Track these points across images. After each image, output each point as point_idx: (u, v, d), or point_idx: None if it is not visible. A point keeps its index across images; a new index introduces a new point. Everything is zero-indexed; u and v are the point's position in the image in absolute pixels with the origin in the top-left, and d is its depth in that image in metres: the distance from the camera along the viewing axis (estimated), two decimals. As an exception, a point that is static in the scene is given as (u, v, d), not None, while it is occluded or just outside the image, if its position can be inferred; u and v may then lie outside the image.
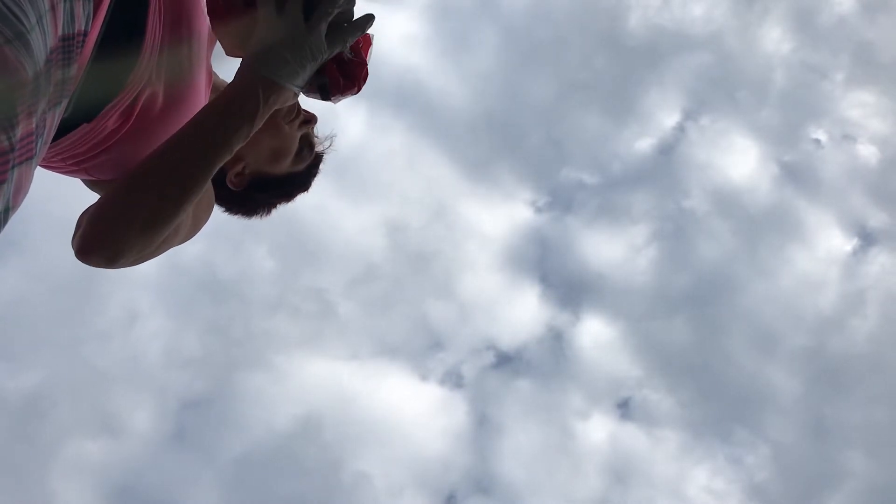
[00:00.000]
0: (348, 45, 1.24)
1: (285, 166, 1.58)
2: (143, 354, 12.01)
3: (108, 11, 1.09)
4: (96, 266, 1.18)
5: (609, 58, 15.28)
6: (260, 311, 13.15)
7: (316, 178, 1.69)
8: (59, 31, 0.95)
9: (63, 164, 1.26)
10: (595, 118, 15.29)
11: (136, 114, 1.21)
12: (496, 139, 14.77)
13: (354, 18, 1.24)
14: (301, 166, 1.60)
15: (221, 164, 1.19)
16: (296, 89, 1.21)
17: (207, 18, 1.28)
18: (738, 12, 15.00)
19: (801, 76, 14.63)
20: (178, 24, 1.26)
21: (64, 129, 1.14)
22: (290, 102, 1.25)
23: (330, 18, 1.19)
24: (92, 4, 1.04)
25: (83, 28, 1.02)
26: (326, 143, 1.69)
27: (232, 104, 1.18)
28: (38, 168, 1.23)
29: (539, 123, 14.97)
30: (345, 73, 1.26)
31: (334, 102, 1.30)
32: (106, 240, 1.14)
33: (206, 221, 1.46)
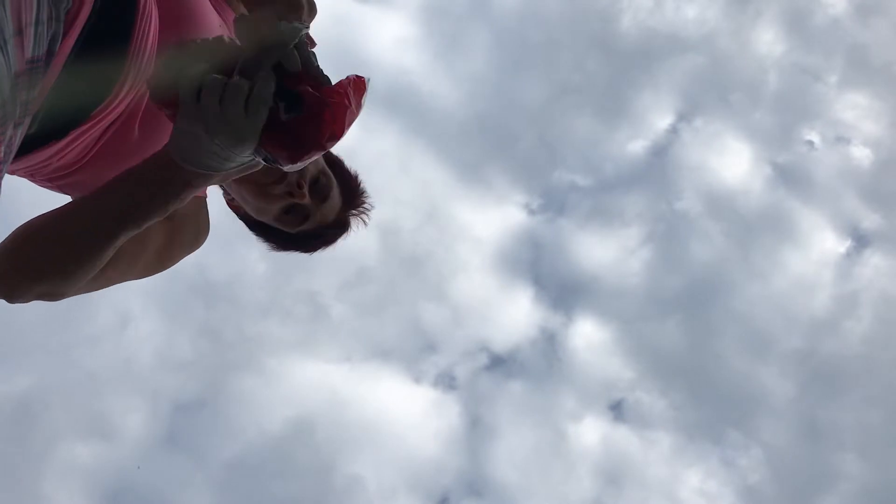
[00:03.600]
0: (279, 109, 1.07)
1: (267, 221, 1.57)
2: (135, 357, 11.99)
3: (86, 22, 1.07)
4: None
5: (602, 60, 15.30)
6: (252, 313, 13.12)
7: (329, 247, 1.68)
8: (28, 55, 0.93)
9: (32, 179, 1.24)
10: (588, 120, 15.32)
11: (110, 135, 1.19)
12: (489, 141, 14.78)
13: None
14: (292, 229, 1.57)
15: (132, 234, 1.15)
16: (222, 173, 1.12)
17: (210, 18, 1.25)
18: (730, 14, 15.04)
19: (795, 78, 14.68)
20: (178, 29, 1.23)
21: (31, 146, 1.12)
22: (219, 182, 1.17)
23: (241, 98, 1.04)
24: (62, 24, 1.01)
25: (52, 48, 1.00)
26: (358, 212, 1.65)
27: (149, 186, 1.12)
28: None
29: (532, 126, 14.98)
30: (288, 138, 1.08)
31: (300, 167, 1.14)
32: (2, 286, 1.15)
33: (178, 260, 1.44)
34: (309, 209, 1.53)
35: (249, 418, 12.70)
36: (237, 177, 1.16)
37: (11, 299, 1.16)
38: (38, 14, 0.95)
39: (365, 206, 1.68)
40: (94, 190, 1.16)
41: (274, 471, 12.28)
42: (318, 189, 1.54)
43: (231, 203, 1.61)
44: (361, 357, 13.75)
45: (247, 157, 1.11)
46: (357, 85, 1.11)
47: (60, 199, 1.29)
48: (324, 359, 13.75)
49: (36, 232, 1.16)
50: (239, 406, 12.72)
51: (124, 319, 11.89)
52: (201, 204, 1.47)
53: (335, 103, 1.08)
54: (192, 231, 1.43)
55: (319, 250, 1.69)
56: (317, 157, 1.13)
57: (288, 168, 1.13)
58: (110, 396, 11.94)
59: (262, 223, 1.60)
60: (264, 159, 1.12)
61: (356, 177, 1.67)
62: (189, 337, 12.42)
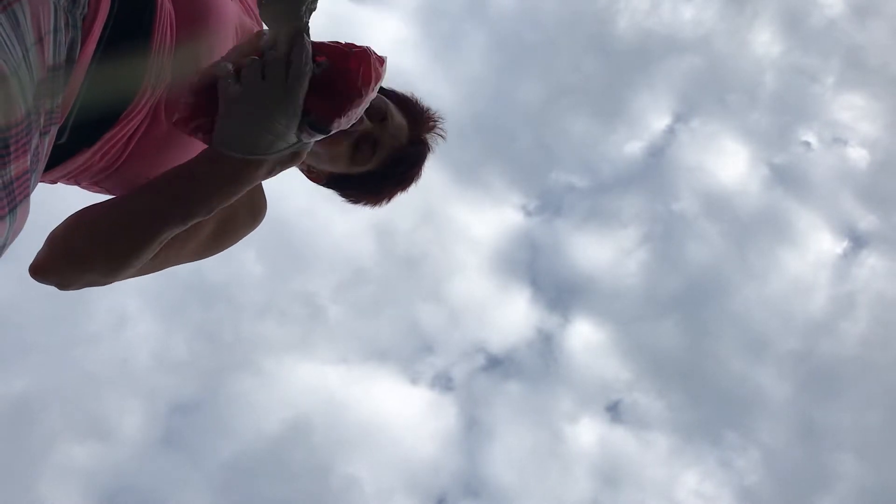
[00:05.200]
0: (307, 71, 1.12)
1: (346, 168, 1.54)
2: (132, 358, 11.98)
3: (104, 28, 1.07)
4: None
5: (599, 61, 15.32)
6: (249, 315, 13.12)
7: (418, 170, 1.62)
8: (49, 62, 0.94)
9: (78, 184, 1.25)
10: (585, 121, 15.33)
11: (140, 134, 1.19)
12: (486, 142, 14.76)
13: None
14: (367, 166, 1.54)
15: (179, 230, 1.18)
16: (270, 160, 1.15)
17: (227, 9, 1.25)
18: (727, 15, 15.06)
19: (791, 79, 14.71)
20: (195, 24, 1.22)
21: (63, 155, 1.12)
22: (265, 175, 1.19)
23: (282, 68, 1.11)
24: (80, 31, 1.01)
25: (72, 55, 1.01)
26: (427, 131, 1.61)
27: (194, 182, 1.15)
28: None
29: (529, 127, 14.99)
30: (326, 94, 1.15)
31: (346, 127, 1.19)
32: (53, 274, 1.20)
33: (238, 240, 1.45)
34: (375, 134, 1.50)
35: (246, 419, 12.71)
36: (284, 168, 1.18)
37: (61, 288, 1.22)
38: (55, 22, 0.95)
39: (434, 119, 1.63)
40: (143, 186, 1.19)
41: (271, 472, 12.28)
42: (374, 111, 1.50)
43: (310, 173, 1.59)
44: (358, 358, 13.77)
45: (293, 138, 1.14)
46: (366, 65, 1.17)
47: (69, 201, 1.30)
48: (320, 360, 13.77)
49: (86, 224, 1.20)
50: (236, 407, 12.73)
51: (121, 320, 11.90)
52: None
53: (357, 52, 1.16)
54: (248, 211, 1.42)
55: (413, 178, 1.63)
56: (359, 106, 1.18)
57: (335, 127, 1.17)
58: (107, 397, 11.94)
59: (346, 177, 1.57)
60: (311, 126, 1.15)
61: (413, 95, 1.63)
62: (186, 338, 12.43)
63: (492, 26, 14.80)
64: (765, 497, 13.06)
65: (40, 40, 0.92)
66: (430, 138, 1.63)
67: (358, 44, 1.19)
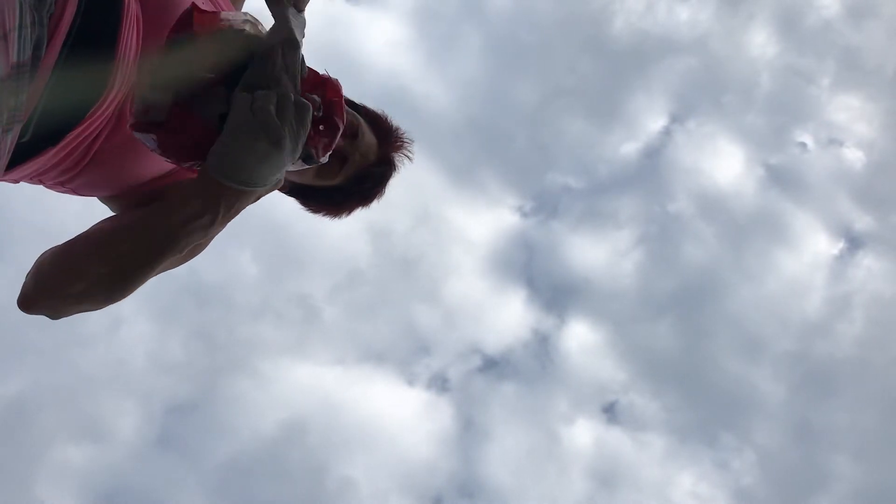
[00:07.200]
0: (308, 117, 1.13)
1: (311, 180, 1.54)
2: (127, 359, 11.96)
3: (71, 25, 1.07)
4: None
5: (594, 62, 15.34)
6: (244, 316, 13.11)
7: (382, 189, 1.63)
8: (13, 59, 0.93)
9: (42, 184, 1.24)
10: (580, 122, 15.34)
11: (105, 135, 1.18)
12: (481, 144, 14.79)
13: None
14: (333, 181, 1.54)
15: (172, 257, 1.18)
16: (265, 188, 1.15)
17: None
18: (723, 17, 15.08)
19: (787, 80, 14.72)
20: (163, 30, 1.20)
21: (26, 153, 1.12)
22: (255, 200, 1.18)
23: (292, 106, 1.10)
24: (46, 29, 1.01)
25: (38, 53, 1.00)
26: (395, 151, 1.62)
27: (188, 211, 1.13)
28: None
29: (524, 128, 15.00)
30: (317, 127, 1.18)
31: (325, 160, 1.22)
32: (42, 306, 1.21)
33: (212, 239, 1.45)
34: (344, 150, 1.50)
35: (242, 420, 12.69)
36: (267, 193, 1.18)
37: (54, 319, 1.24)
38: (21, 19, 0.94)
39: (403, 139, 1.64)
40: (130, 218, 1.19)
41: (266, 473, 12.27)
42: (346, 128, 1.47)
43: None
44: (354, 359, 13.76)
45: (282, 175, 1.15)
46: (333, 91, 1.21)
47: (65, 201, 1.31)
48: (316, 361, 13.75)
49: (78, 263, 1.20)
50: (231, 408, 12.72)
51: (117, 321, 11.86)
52: None
53: (329, 81, 1.19)
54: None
55: (376, 196, 1.64)
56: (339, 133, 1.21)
57: (325, 158, 1.21)
58: (104, 398, 11.92)
59: (309, 189, 1.57)
60: (304, 158, 1.17)
61: (384, 114, 1.64)
62: (181, 339, 12.42)
63: (487, 27, 14.82)
64: (761, 498, 13.08)
65: (5, 37, 0.91)
66: (398, 158, 1.63)
67: (312, 67, 1.19)
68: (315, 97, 1.15)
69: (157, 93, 1.10)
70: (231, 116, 1.08)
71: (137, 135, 1.12)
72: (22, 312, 1.21)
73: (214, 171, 1.10)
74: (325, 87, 1.18)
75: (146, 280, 1.20)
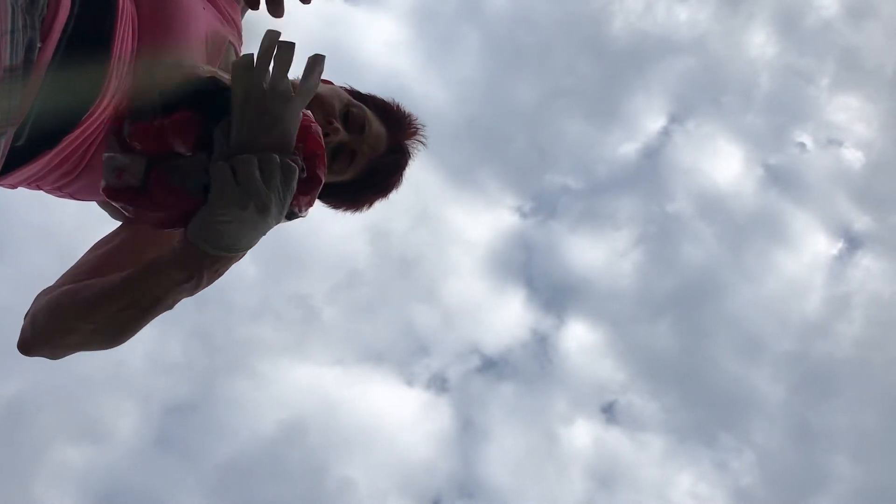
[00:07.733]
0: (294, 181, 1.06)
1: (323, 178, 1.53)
2: (126, 360, 11.94)
3: (64, 27, 1.05)
4: None
5: (593, 62, 15.36)
6: (243, 316, 13.10)
7: (397, 178, 1.61)
8: (5, 63, 0.92)
9: (39, 189, 1.24)
10: (579, 123, 15.36)
11: (101, 139, 1.17)
12: (480, 144, 14.79)
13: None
14: (344, 176, 1.52)
15: (160, 314, 1.20)
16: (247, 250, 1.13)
17: (195, 25, 1.22)
18: (722, 17, 15.09)
19: (786, 80, 14.74)
20: (158, 32, 1.20)
21: (22, 158, 1.11)
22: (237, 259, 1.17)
23: (278, 170, 1.03)
24: (38, 31, 1.00)
25: (30, 56, 0.99)
26: (407, 138, 1.59)
27: (174, 277, 1.12)
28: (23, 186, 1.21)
29: (523, 128, 15.01)
30: (303, 182, 1.09)
31: (305, 216, 1.17)
32: (40, 352, 1.26)
33: None
34: (352, 144, 1.47)
35: (241, 421, 12.69)
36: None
37: (53, 359, 1.29)
38: (13, 22, 0.93)
39: (414, 126, 1.61)
40: (117, 281, 1.18)
41: (265, 473, 12.27)
42: (352, 120, 1.47)
43: None
44: (353, 360, 13.77)
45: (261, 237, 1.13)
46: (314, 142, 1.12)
47: (64, 203, 1.31)
48: (315, 361, 13.76)
49: (66, 318, 1.22)
50: (231, 409, 12.71)
51: (115, 322, 11.83)
52: None
53: (311, 130, 1.11)
54: None
55: (393, 185, 1.61)
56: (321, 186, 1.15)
57: (304, 214, 1.15)
58: (102, 399, 11.91)
59: (324, 187, 1.56)
60: (287, 216, 1.12)
61: (394, 102, 1.61)
62: (180, 339, 12.40)
63: (486, 28, 14.82)
64: (760, 498, 13.08)
65: None
66: (410, 145, 1.61)
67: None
68: (297, 157, 1.07)
69: (128, 157, 1.06)
70: (214, 187, 1.03)
71: (111, 202, 1.08)
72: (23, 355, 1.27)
73: (197, 240, 1.07)
74: (307, 137, 1.10)
75: (140, 330, 1.22)
